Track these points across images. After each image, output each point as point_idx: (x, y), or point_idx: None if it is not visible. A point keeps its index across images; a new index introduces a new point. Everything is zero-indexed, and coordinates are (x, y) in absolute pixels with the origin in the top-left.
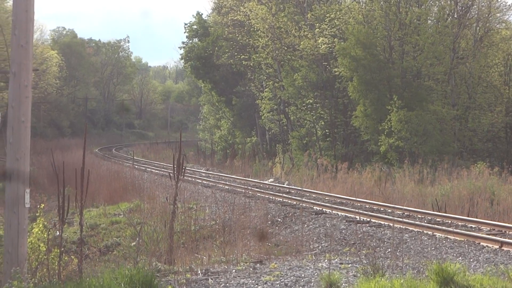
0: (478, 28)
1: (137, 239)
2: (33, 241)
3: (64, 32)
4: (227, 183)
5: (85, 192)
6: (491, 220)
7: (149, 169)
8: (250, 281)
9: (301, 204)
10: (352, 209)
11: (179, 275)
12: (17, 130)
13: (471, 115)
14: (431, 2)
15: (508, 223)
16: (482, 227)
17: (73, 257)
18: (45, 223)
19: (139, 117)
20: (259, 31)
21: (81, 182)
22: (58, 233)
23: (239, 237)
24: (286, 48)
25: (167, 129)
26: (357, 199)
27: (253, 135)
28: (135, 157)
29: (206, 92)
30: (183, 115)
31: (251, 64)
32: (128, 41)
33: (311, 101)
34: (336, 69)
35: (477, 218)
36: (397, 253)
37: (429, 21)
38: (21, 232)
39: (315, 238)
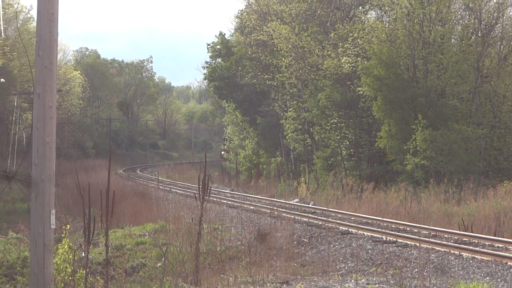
0: (502, 46)
1: (163, 260)
2: (58, 262)
3: (87, 52)
4: (252, 203)
5: (110, 213)
6: None
7: (174, 190)
8: None
9: (326, 224)
10: (378, 229)
11: None
12: (42, 151)
13: (496, 134)
14: (454, 21)
15: None
16: (509, 247)
17: (99, 278)
18: (71, 244)
19: (163, 138)
20: (283, 51)
21: (106, 203)
22: (83, 254)
23: (265, 257)
24: (309, 68)
25: (191, 150)
26: (383, 219)
27: (278, 155)
28: (159, 178)
29: (230, 112)
30: (207, 135)
31: (275, 84)
32: (152, 61)
33: (335, 120)
34: (360, 89)
35: (504, 237)
36: (424, 273)
37: (453, 40)
38: (47, 253)
39: (341, 258)
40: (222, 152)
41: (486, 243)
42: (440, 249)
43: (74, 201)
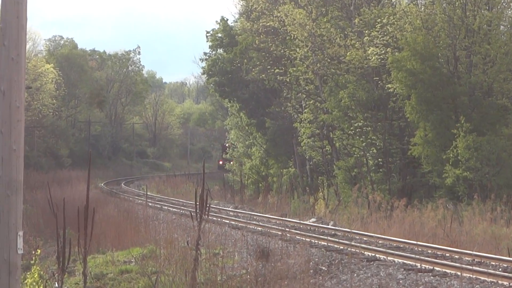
0: None
1: None
2: None
3: (62, 42)
4: (260, 223)
5: (89, 235)
6: None
7: (166, 207)
8: None
9: (349, 249)
10: (412, 255)
11: None
12: (8, 161)
13: None
14: (504, 4)
15: None
16: None
17: None
18: (42, 272)
19: (153, 144)
20: (297, 40)
21: (85, 222)
22: (57, 285)
23: None
24: (329, 60)
25: (186, 159)
26: (417, 242)
27: (291, 166)
28: (148, 193)
29: (234, 114)
30: (206, 141)
31: (288, 80)
32: (139, 52)
33: (360, 124)
34: (389, 85)
35: None
36: None
37: (502, 27)
38: (12, 282)
39: None
40: (220, 162)
41: None
42: (486, 279)
43: (45, 220)
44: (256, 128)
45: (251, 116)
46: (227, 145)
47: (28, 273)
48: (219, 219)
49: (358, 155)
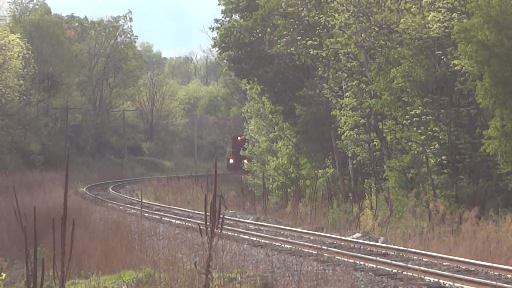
0: None
1: None
2: None
3: (31, 5)
4: (289, 240)
5: (68, 254)
6: None
7: (167, 219)
8: None
9: (405, 272)
10: (486, 281)
11: None
12: None
13: None
14: None
15: None
16: None
17: None
18: None
19: (149, 138)
20: (336, 3)
21: (62, 238)
22: None
23: None
24: (377, 29)
25: (193, 156)
26: (493, 264)
27: (328, 165)
28: (144, 200)
29: (254, 98)
30: (218, 134)
31: (324, 54)
32: (131, 18)
33: (418, 111)
34: (456, 62)
35: None
36: None
37: None
38: None
39: None
40: (231, 161)
41: None
42: None
43: (11, 235)
44: (283, 117)
45: (276, 101)
46: (240, 138)
47: None
48: (235, 234)
49: (415, 152)
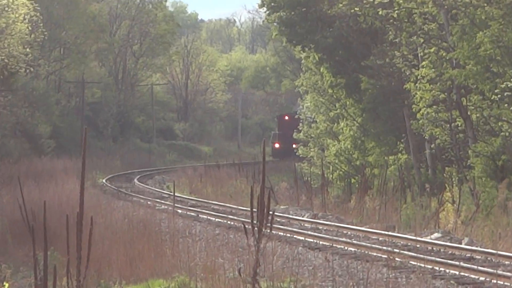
0: None
1: None
2: None
3: None
4: (353, 241)
5: (85, 259)
6: None
7: (205, 216)
8: None
9: (494, 281)
10: None
11: None
12: None
13: None
14: None
15: None
16: None
17: None
18: None
19: (183, 118)
20: None
21: (78, 240)
22: None
23: None
24: None
25: (236, 140)
26: None
27: (401, 150)
28: (177, 194)
29: (310, 69)
30: (267, 112)
31: (395, 15)
32: None
33: (510, 84)
34: None
35: None
36: None
37: None
38: None
39: None
40: (277, 145)
41: None
42: None
43: (16, 236)
44: (346, 92)
45: (337, 73)
46: (288, 117)
47: None
48: (288, 235)
49: (507, 134)
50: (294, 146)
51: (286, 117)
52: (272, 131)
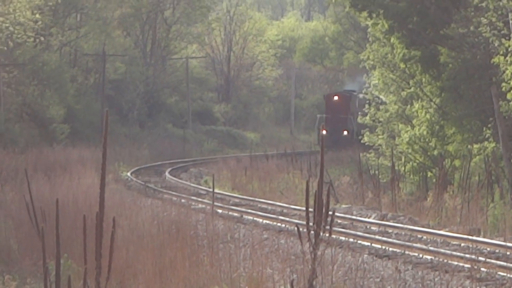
0: None
1: None
2: None
3: None
4: (430, 247)
5: (105, 269)
6: None
7: (250, 217)
8: None
9: None
10: None
11: None
12: None
13: None
14: None
15: None
16: None
17: None
18: None
19: (225, 98)
20: None
21: (97, 246)
22: None
23: None
24: None
25: (288, 124)
26: None
27: (488, 138)
28: (217, 190)
29: (379, 40)
30: (326, 91)
31: None
32: None
33: None
34: None
35: None
36: None
37: None
38: None
39: None
40: (324, 131)
41: None
42: None
43: (22, 241)
44: (422, 67)
45: (411, 44)
46: (338, 97)
47: None
48: (351, 240)
49: None
50: (345, 133)
51: (336, 97)
52: (317, 114)
